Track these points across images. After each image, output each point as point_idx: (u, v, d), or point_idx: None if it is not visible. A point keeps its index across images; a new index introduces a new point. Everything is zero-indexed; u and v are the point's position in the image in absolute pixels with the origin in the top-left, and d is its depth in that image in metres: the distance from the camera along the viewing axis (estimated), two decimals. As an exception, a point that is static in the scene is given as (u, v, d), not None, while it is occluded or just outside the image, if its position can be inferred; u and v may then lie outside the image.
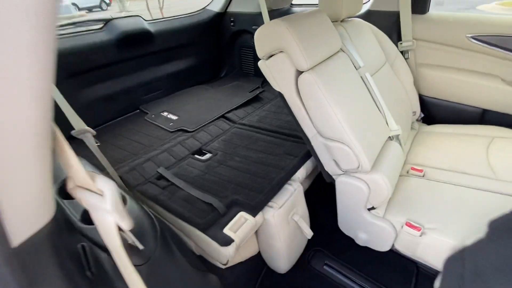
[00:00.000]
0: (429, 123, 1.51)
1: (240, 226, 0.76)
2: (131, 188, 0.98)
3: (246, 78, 2.11)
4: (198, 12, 2.02)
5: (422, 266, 1.06)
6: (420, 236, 0.86)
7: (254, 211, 0.83)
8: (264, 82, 1.94)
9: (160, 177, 1.03)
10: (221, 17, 2.07)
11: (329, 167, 0.96)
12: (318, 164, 0.99)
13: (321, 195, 1.34)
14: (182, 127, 1.42)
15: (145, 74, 1.78)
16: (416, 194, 0.98)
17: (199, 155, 1.18)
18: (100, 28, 1.57)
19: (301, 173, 1.04)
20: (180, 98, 1.83)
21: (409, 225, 0.88)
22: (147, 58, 1.76)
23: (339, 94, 0.85)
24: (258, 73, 2.07)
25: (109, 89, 1.62)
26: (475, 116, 1.43)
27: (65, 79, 1.40)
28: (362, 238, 1.02)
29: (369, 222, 0.96)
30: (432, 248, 0.85)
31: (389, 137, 1.04)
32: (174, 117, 1.57)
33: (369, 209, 0.98)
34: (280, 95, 0.94)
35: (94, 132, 1.00)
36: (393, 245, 0.97)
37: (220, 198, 0.89)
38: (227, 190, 0.92)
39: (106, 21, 1.57)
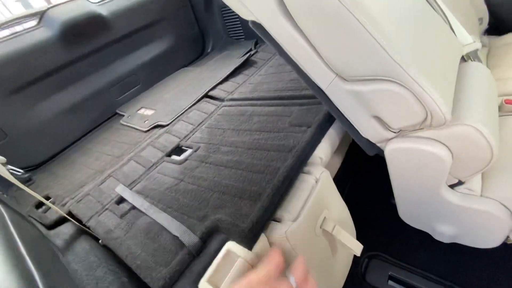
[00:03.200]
0: (501, 34, 1.02)
1: (228, 270, 0.41)
2: (83, 224, 0.67)
3: (236, 45, 1.71)
4: (157, -21, 1.62)
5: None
6: None
7: (248, 239, 0.47)
8: (259, 41, 1.53)
9: (121, 199, 0.71)
10: (187, -23, 1.65)
11: (369, 131, 0.56)
12: (349, 130, 0.60)
13: (365, 174, 0.94)
14: (158, 122, 1.08)
15: (112, 70, 1.46)
16: (532, 144, 0.56)
17: (177, 155, 0.84)
18: (37, 24, 1.24)
19: (323, 150, 0.66)
20: (159, 89, 1.49)
21: (543, 202, 0.47)
22: (108, 50, 1.42)
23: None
24: (250, 35, 1.66)
25: (72, 97, 1.32)
26: None
27: (5, 97, 1.11)
28: (446, 233, 0.63)
29: (457, 208, 0.57)
30: None
31: (463, 56, 0.61)
32: (150, 112, 1.23)
33: (451, 186, 0.58)
34: (258, 29, 0.55)
35: (3, 159, 0.70)
36: (507, 237, 0.56)
37: (197, 221, 0.54)
38: (207, 204, 0.57)
39: (41, 14, 1.24)
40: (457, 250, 0.68)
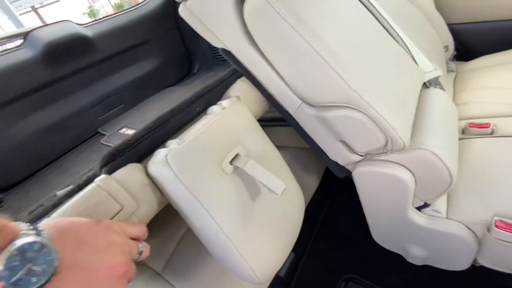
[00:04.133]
0: (467, 59, 1.09)
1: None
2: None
3: (222, 66, 1.74)
4: (144, 2, 1.67)
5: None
6: (532, 243, 0.46)
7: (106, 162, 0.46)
8: None
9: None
10: (174, 1, 1.71)
11: (337, 154, 0.58)
12: (318, 153, 0.61)
13: (342, 196, 0.95)
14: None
15: (95, 90, 1.46)
16: (492, 166, 0.58)
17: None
18: (21, 44, 1.25)
19: (240, 88, 0.64)
20: (142, 108, 1.49)
21: (502, 225, 0.49)
22: (91, 70, 1.43)
23: (324, 20, 0.46)
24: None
25: (51, 117, 1.30)
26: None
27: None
28: (417, 255, 0.63)
29: (424, 230, 0.57)
30: None
31: (425, 83, 0.64)
32: (131, 132, 1.22)
33: (418, 208, 0.59)
34: (227, 55, 0.57)
35: None
36: (475, 260, 0.57)
37: None
38: None
39: (25, 34, 1.25)
40: (430, 273, 0.67)
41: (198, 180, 0.45)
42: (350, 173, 0.61)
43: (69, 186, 0.52)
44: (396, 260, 0.69)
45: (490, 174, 0.56)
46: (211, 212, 0.44)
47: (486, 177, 0.56)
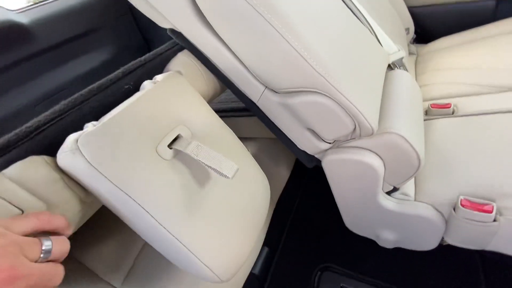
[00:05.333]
0: (426, 42, 1.11)
1: None
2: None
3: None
4: (90, -16, 1.49)
5: (491, 254, 0.68)
6: (494, 220, 0.47)
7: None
8: None
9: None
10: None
11: (305, 143, 0.54)
12: (285, 143, 0.57)
13: (314, 186, 0.93)
14: None
15: (36, 86, 1.29)
16: (455, 146, 0.58)
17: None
18: None
19: (180, 61, 0.56)
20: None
21: (467, 203, 0.49)
22: (31, 62, 1.25)
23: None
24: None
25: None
26: (486, 13, 1.03)
27: None
28: (388, 239, 0.63)
29: (394, 213, 0.57)
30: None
31: (389, 65, 0.62)
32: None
33: (388, 193, 0.58)
34: (178, 37, 0.50)
35: None
36: (442, 239, 0.58)
37: None
38: None
39: None
40: (401, 255, 0.69)
41: (124, 169, 0.36)
42: (320, 162, 0.58)
43: None
44: (368, 245, 0.69)
45: (454, 154, 0.57)
46: (147, 207, 0.36)
47: (450, 157, 0.56)
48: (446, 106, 0.68)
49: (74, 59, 1.42)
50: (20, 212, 0.32)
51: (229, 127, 0.54)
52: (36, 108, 1.29)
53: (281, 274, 0.76)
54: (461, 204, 0.49)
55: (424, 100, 0.75)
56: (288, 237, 0.83)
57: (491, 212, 0.47)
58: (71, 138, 0.36)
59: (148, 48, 1.76)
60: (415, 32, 1.12)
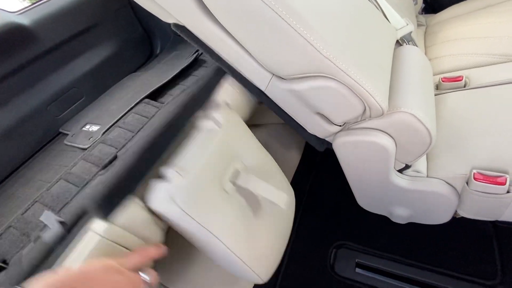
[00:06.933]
0: (435, 11, 1.07)
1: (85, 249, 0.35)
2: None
3: (186, 43, 1.61)
4: (87, -21, 1.47)
5: (503, 223, 0.69)
6: (508, 192, 0.48)
7: (103, 206, 0.39)
8: None
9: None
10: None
11: (315, 128, 0.55)
12: (296, 128, 0.58)
13: (326, 166, 0.94)
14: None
15: (47, 86, 1.31)
16: (467, 120, 0.58)
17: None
18: None
19: (228, 93, 0.60)
20: (105, 100, 1.38)
21: (481, 177, 0.49)
22: (38, 63, 1.27)
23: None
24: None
25: (1, 123, 1.16)
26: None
27: None
28: (401, 215, 0.64)
29: (407, 191, 0.58)
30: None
31: (398, 41, 0.61)
32: (95, 128, 1.13)
33: (400, 171, 0.58)
34: (182, 31, 0.50)
35: None
36: (455, 212, 0.59)
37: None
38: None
39: None
40: (414, 229, 0.70)
41: (206, 210, 0.44)
42: (331, 144, 0.59)
43: (50, 218, 0.40)
44: (382, 221, 0.71)
45: (466, 128, 0.56)
46: (219, 235, 0.44)
47: (462, 132, 0.56)
48: (458, 79, 0.67)
49: (78, 56, 1.43)
50: (128, 251, 0.37)
51: None
52: (49, 108, 1.32)
53: (298, 253, 0.79)
54: (474, 178, 0.49)
55: (435, 74, 0.73)
56: (303, 218, 0.86)
57: (504, 184, 0.47)
58: (162, 188, 0.42)
59: (150, 41, 1.75)
60: (424, 1, 1.07)
